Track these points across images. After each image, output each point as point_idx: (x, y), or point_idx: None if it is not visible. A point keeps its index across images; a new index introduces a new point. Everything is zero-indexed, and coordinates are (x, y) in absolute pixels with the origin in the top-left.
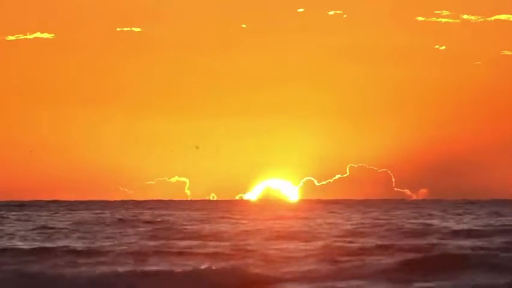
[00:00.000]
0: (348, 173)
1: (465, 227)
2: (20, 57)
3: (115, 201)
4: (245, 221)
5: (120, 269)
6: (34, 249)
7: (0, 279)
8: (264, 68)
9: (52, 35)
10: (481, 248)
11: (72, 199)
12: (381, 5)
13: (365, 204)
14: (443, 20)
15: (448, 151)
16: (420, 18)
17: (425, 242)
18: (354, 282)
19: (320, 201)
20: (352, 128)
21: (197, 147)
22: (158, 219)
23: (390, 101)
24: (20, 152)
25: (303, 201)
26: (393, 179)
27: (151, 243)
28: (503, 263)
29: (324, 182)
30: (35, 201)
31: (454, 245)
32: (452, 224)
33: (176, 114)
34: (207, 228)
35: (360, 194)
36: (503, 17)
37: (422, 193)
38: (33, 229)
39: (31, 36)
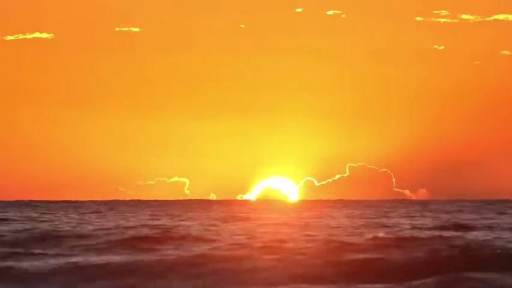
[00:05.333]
0: (348, 173)
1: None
2: (19, 57)
3: (115, 200)
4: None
5: None
6: None
7: None
8: (263, 67)
9: (51, 35)
10: None
11: (71, 199)
12: (380, 5)
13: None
14: (442, 20)
15: (448, 151)
16: (419, 18)
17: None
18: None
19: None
20: (352, 127)
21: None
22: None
23: (390, 100)
24: (20, 152)
25: (304, 202)
26: (394, 179)
27: None
28: None
29: (324, 182)
30: (40, 201)
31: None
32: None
33: (176, 114)
34: None
35: (361, 194)
36: (501, 16)
37: (422, 193)
38: None
39: (30, 36)
